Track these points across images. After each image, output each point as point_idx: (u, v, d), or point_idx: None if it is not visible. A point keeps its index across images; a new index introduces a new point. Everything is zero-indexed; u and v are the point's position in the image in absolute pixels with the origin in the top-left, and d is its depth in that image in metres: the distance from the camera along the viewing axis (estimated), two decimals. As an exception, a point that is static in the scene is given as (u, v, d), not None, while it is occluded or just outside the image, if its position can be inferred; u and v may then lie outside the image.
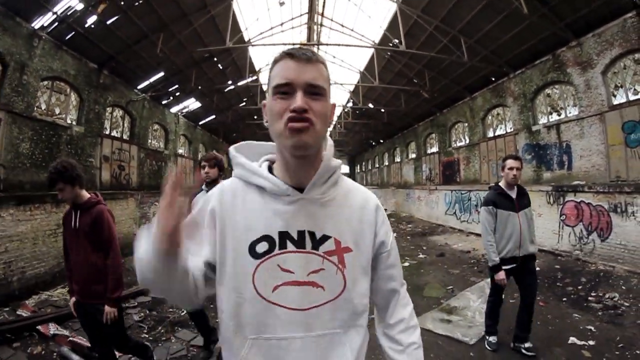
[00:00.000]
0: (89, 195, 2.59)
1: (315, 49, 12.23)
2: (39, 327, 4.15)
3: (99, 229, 2.49)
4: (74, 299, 2.61)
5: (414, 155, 19.75)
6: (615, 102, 7.42)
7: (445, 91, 13.49)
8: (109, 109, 10.44)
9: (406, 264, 7.83)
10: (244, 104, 18.37)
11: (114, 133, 10.90)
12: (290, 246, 0.84)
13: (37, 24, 7.11)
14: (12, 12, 6.57)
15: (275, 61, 0.84)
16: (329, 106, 0.85)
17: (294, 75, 0.79)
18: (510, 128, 11.11)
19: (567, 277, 6.36)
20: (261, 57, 14.82)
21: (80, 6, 7.33)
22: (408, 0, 9.82)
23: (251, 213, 0.87)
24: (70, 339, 3.82)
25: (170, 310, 4.99)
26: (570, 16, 7.55)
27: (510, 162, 3.32)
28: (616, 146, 7.24)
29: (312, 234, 0.86)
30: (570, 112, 8.71)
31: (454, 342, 3.87)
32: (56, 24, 7.36)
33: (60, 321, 4.34)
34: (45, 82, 7.86)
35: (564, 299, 5.27)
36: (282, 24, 13.42)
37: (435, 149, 16.92)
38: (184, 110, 15.78)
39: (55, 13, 7.14)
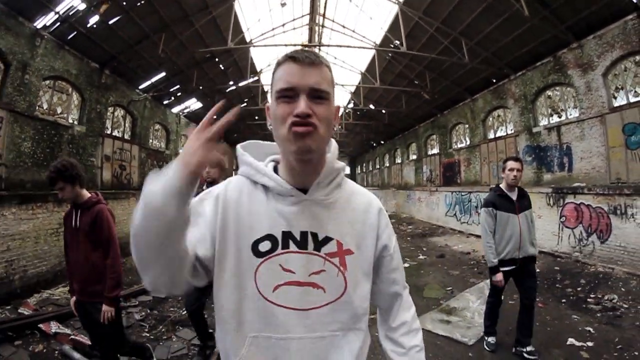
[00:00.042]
0: (89, 195, 2.58)
1: (316, 50, 12.28)
2: (40, 325, 4.16)
3: (99, 228, 2.49)
4: (74, 298, 2.61)
5: (414, 157, 19.76)
6: (616, 104, 7.43)
7: (446, 93, 13.50)
8: (110, 109, 10.47)
9: (406, 265, 7.84)
10: (245, 104, 18.40)
11: (115, 133, 10.94)
12: (292, 246, 0.84)
13: (39, 23, 7.15)
14: (14, 12, 6.61)
15: (278, 64, 0.82)
16: (332, 109, 0.84)
17: (297, 80, 0.78)
18: (511, 130, 11.12)
19: (566, 279, 6.37)
20: (262, 58, 14.87)
21: (82, 6, 7.37)
22: (409, 1, 9.85)
23: (256, 211, 0.86)
24: (72, 337, 3.83)
25: (172, 309, 5.02)
26: (571, 18, 7.57)
27: (510, 164, 3.32)
28: (616, 148, 7.25)
29: (314, 235, 0.86)
30: (570, 114, 8.72)
31: (453, 342, 3.89)
32: (58, 23, 7.40)
33: (62, 320, 4.36)
34: (47, 82, 7.89)
35: (563, 300, 5.28)
36: (283, 25, 13.45)
37: (435, 150, 16.93)
38: (185, 111, 15.82)
39: (58, 13, 7.17)
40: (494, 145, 11.89)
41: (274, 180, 0.87)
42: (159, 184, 0.67)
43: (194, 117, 16.87)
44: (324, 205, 0.89)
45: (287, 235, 0.84)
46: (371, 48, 12.60)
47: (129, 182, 11.29)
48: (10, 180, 6.65)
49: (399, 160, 22.69)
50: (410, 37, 10.45)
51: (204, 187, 3.17)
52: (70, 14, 7.37)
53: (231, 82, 14.83)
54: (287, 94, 0.78)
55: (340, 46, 11.97)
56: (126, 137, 11.55)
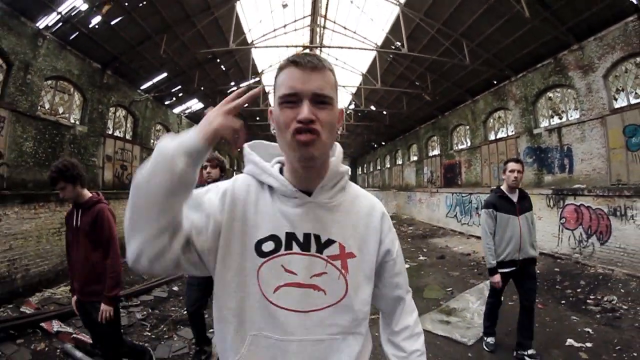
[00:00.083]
0: (90, 195, 2.60)
1: (317, 51, 12.30)
2: (42, 324, 4.18)
3: (99, 227, 2.50)
4: (75, 297, 2.63)
5: (415, 158, 19.76)
6: (617, 105, 7.43)
7: (447, 94, 13.51)
8: (112, 109, 10.51)
9: (407, 266, 7.76)
10: (246, 105, 18.40)
11: (116, 133, 10.98)
12: (295, 248, 0.84)
13: (41, 23, 7.18)
14: (17, 12, 6.64)
15: (281, 68, 0.82)
16: (336, 113, 0.84)
17: (299, 85, 0.77)
18: (512, 131, 11.12)
19: (566, 280, 6.38)
20: (264, 59, 14.90)
21: (84, 7, 7.41)
22: (410, 3, 9.87)
23: (261, 211, 0.86)
24: (74, 336, 3.85)
25: (173, 308, 5.04)
26: (572, 20, 7.58)
27: (511, 165, 3.33)
28: (617, 150, 7.25)
29: (317, 237, 0.86)
30: (571, 116, 8.73)
31: (452, 342, 3.90)
32: (60, 24, 7.43)
33: (64, 318, 4.38)
34: (49, 82, 7.93)
35: (563, 301, 5.30)
36: (285, 26, 13.48)
37: (436, 152, 16.94)
38: (187, 111, 15.85)
39: (60, 13, 7.21)
40: (495, 147, 11.90)
41: (279, 181, 0.87)
42: (174, 141, 0.71)
43: (195, 118, 16.91)
44: (328, 208, 0.89)
45: (291, 237, 0.84)
46: (372, 49, 12.62)
47: (130, 182, 11.25)
48: (13, 179, 6.68)
49: (399, 162, 22.70)
50: (411, 38, 10.47)
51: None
52: (73, 14, 7.40)
53: (233, 83, 14.84)
54: (290, 100, 0.78)
55: (342, 47, 12.01)
56: (128, 137, 11.59)
